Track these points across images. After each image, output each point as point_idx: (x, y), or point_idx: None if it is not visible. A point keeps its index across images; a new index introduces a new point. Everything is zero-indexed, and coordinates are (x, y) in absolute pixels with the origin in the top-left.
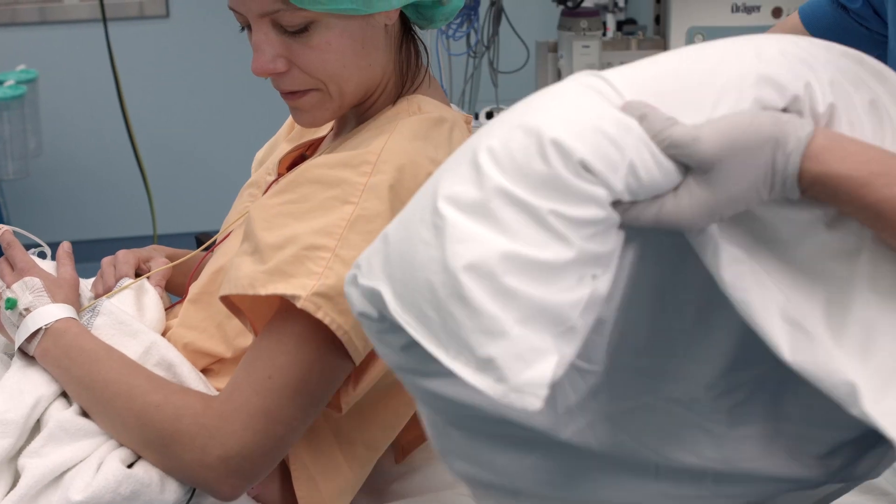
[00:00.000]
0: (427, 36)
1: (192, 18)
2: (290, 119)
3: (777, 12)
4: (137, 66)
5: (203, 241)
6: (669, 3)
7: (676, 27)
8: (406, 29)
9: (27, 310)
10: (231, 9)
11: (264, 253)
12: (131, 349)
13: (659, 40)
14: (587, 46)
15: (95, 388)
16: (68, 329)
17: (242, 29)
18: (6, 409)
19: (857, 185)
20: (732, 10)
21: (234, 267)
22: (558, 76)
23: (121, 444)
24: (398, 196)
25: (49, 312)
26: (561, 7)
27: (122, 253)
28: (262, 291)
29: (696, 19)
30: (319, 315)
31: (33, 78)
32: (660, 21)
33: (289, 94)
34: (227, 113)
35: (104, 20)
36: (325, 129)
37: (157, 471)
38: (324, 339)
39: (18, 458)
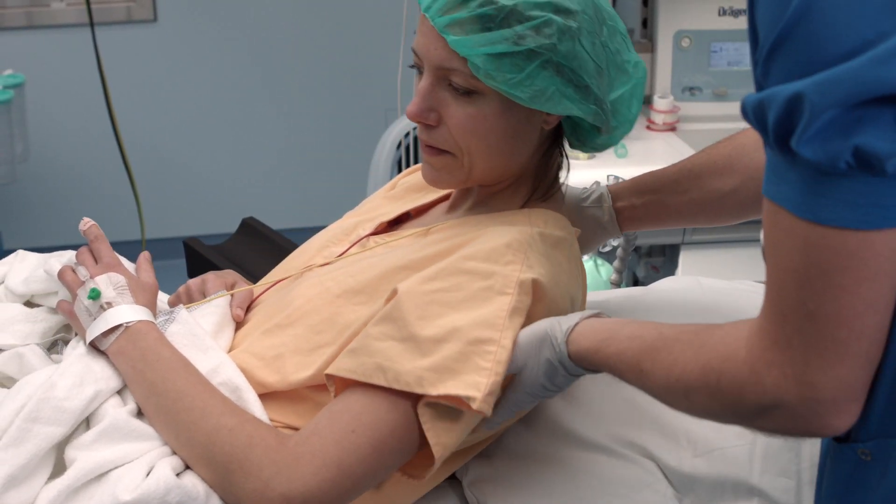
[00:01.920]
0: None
1: (179, 23)
2: (393, 181)
3: None
4: (125, 70)
5: (191, 245)
6: (657, 6)
7: (664, 30)
8: (558, 140)
9: (109, 304)
10: (412, 49)
11: (423, 345)
12: (200, 364)
13: (646, 44)
14: None
15: (167, 397)
16: (149, 332)
17: (412, 66)
18: (66, 396)
19: (593, 352)
20: (719, 14)
21: (381, 353)
22: None
23: (173, 453)
24: (541, 298)
25: (131, 311)
26: None
27: (210, 275)
28: (434, 391)
29: (683, 23)
30: (474, 407)
31: (20, 82)
32: (647, 24)
33: (427, 148)
34: (215, 117)
35: (91, 25)
36: (433, 194)
37: (205, 486)
38: (416, 407)
39: (66, 448)
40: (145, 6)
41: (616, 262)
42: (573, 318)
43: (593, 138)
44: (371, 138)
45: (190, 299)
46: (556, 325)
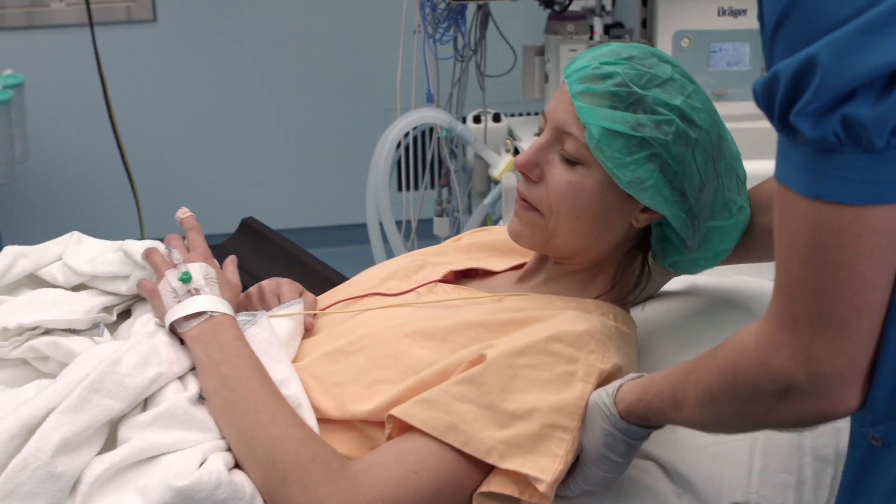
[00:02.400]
0: (413, 40)
1: (179, 23)
2: (461, 234)
3: None
4: (125, 70)
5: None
6: (656, 6)
7: (663, 30)
8: (643, 246)
9: (197, 290)
10: (542, 113)
11: (501, 417)
12: (269, 373)
13: (646, 43)
14: (574, 50)
15: (239, 394)
16: (230, 326)
17: (536, 133)
18: (128, 373)
19: (636, 402)
20: (719, 14)
21: (458, 414)
22: (545, 80)
23: (227, 449)
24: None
25: (219, 302)
26: (548, 11)
27: (285, 282)
28: (504, 465)
29: (682, 23)
30: (541, 488)
31: (20, 82)
32: (646, 24)
33: (521, 201)
34: (214, 117)
35: (91, 25)
36: (501, 259)
37: (252, 486)
38: (479, 466)
39: (120, 427)
40: (145, 6)
41: None
42: (616, 383)
43: (676, 253)
44: (370, 139)
45: (262, 300)
46: (602, 394)
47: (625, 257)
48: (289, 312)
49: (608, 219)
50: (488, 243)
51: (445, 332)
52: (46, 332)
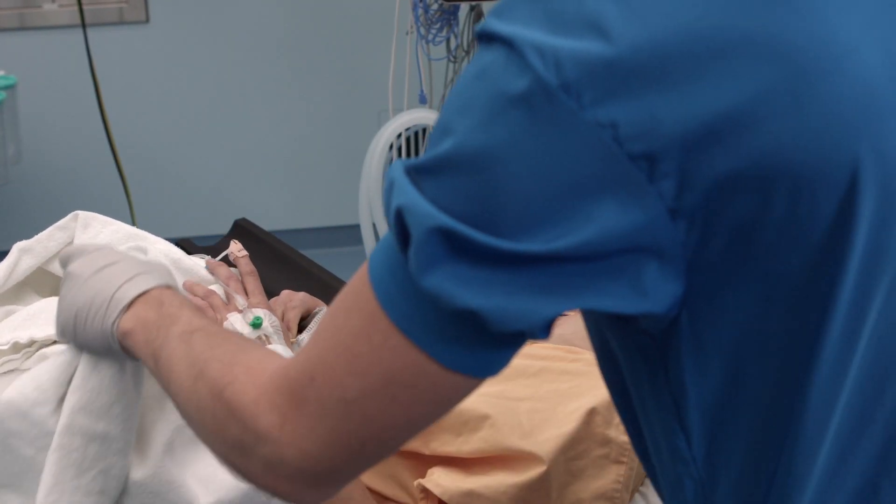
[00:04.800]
0: (406, 41)
1: (172, 24)
2: None
3: None
4: (117, 72)
5: (183, 247)
6: None
7: None
8: None
9: (267, 337)
10: None
11: None
12: None
13: None
14: None
15: None
16: None
17: None
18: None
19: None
20: None
21: None
22: None
23: None
24: None
25: (287, 353)
26: None
27: (303, 295)
28: None
29: None
30: None
31: (12, 84)
32: None
33: None
34: (207, 118)
35: (83, 26)
36: None
37: None
38: None
39: None
40: (137, 7)
41: None
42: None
43: None
44: (363, 140)
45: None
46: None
47: None
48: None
49: None
50: None
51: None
52: (55, 341)
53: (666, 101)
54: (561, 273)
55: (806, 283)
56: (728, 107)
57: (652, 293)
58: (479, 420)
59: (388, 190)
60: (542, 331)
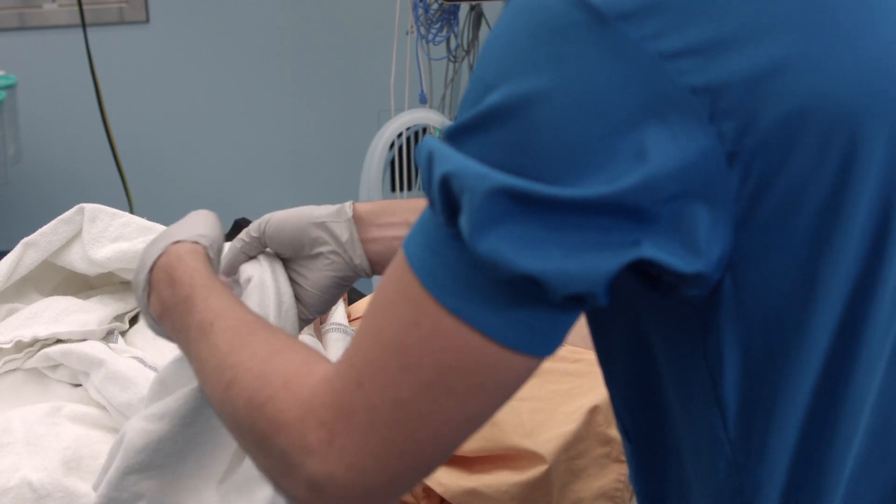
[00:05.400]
0: (406, 41)
1: (172, 24)
2: None
3: None
4: (117, 72)
5: None
6: None
7: None
8: None
9: None
10: None
11: None
12: None
13: None
14: None
15: None
16: None
17: None
18: None
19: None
20: None
21: None
22: None
23: None
24: None
25: (316, 346)
26: None
27: None
28: None
29: None
30: None
31: (12, 84)
32: None
33: None
34: (207, 118)
35: (83, 26)
36: None
37: None
38: None
39: None
40: (137, 7)
41: None
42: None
43: None
44: (363, 139)
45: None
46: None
47: None
48: None
49: None
50: None
51: None
52: (58, 339)
53: (729, 35)
54: (617, 224)
55: (851, 257)
56: (789, 46)
57: (705, 249)
58: None
59: (427, 162)
60: (603, 292)
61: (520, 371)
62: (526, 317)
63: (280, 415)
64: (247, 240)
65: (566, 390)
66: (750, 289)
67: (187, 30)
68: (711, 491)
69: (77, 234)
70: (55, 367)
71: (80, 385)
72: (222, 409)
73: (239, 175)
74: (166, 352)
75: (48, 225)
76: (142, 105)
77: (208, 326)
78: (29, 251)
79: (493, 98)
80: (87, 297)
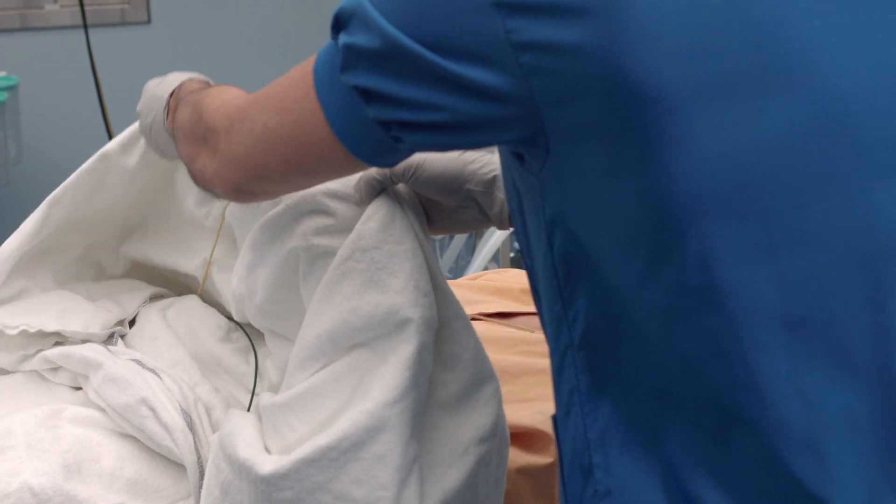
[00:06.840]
0: None
1: (173, 25)
2: (475, 274)
3: None
4: (119, 72)
5: None
6: None
7: None
8: None
9: None
10: None
11: None
12: None
13: None
14: None
15: None
16: None
17: None
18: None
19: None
20: None
21: None
22: None
23: None
24: None
25: None
26: None
27: None
28: None
29: None
30: None
31: (14, 85)
32: None
33: None
34: None
35: (85, 27)
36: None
37: None
38: None
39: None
40: (139, 8)
41: None
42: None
43: None
44: None
45: None
46: None
47: None
48: None
49: None
50: (500, 289)
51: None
52: (58, 341)
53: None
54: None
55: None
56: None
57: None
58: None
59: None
60: (408, 133)
61: (340, 160)
62: (354, 121)
63: (211, 121)
64: (385, 178)
65: None
66: (564, 171)
67: (189, 31)
68: (552, 330)
69: (102, 180)
70: (55, 369)
71: (81, 388)
72: (184, 133)
73: None
74: (164, 354)
75: (70, 177)
76: None
77: (200, 95)
78: (54, 209)
79: None
80: (96, 280)
